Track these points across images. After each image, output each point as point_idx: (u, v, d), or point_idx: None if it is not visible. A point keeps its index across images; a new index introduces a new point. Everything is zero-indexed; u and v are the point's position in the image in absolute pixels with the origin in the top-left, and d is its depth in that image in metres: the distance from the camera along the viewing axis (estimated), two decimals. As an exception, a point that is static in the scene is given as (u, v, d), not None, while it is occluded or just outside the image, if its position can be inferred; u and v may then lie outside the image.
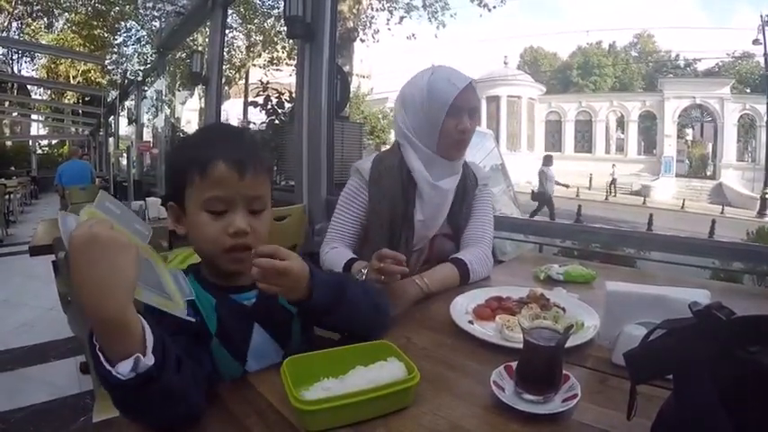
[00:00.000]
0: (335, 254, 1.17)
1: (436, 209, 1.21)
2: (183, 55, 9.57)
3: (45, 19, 14.62)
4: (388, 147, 1.31)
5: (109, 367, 0.47)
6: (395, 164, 1.22)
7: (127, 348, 0.47)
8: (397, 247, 1.17)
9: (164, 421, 0.54)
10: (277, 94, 4.27)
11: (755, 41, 16.87)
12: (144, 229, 0.56)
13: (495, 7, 10.19)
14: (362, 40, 10.37)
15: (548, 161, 10.77)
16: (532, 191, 10.50)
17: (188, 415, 0.56)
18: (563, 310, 0.88)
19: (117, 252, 0.46)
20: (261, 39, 12.06)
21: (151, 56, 10.30)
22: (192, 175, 0.70)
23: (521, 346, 0.63)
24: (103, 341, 0.47)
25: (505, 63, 27.42)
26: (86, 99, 15.77)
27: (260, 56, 12.47)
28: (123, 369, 0.47)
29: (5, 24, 14.73)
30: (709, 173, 21.98)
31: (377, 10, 10.39)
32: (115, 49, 13.46)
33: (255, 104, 4.45)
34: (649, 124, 23.94)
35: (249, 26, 11.87)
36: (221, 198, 0.69)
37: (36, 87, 17.49)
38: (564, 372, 0.60)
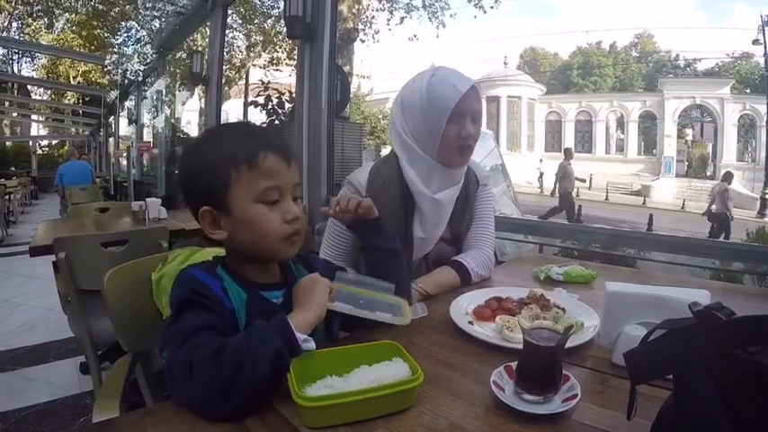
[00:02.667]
0: None
1: (435, 224, 1.17)
2: (184, 55, 9.58)
3: (45, 19, 14.62)
4: (388, 147, 1.29)
5: (299, 335, 0.62)
6: (393, 177, 1.16)
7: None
8: None
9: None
10: (277, 95, 4.27)
11: (755, 41, 16.86)
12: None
13: (492, 7, 10.22)
14: (363, 41, 10.40)
15: (729, 177, 9.05)
16: (710, 210, 9.02)
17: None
18: (563, 310, 0.88)
19: (319, 288, 0.72)
20: (261, 39, 12.07)
21: (151, 56, 10.31)
22: (238, 170, 0.69)
23: (521, 346, 0.63)
24: (305, 327, 0.66)
25: (505, 63, 27.41)
26: (86, 99, 15.77)
27: (260, 56, 12.47)
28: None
29: (5, 24, 14.74)
30: (709, 173, 21.98)
31: (377, 10, 10.41)
32: (115, 49, 13.49)
33: (256, 104, 4.45)
34: (649, 124, 23.93)
35: (249, 26, 11.87)
36: (276, 187, 0.70)
37: (36, 87, 17.49)
38: (564, 372, 0.60)
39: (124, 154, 10.27)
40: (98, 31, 13.07)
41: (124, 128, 12.29)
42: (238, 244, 0.73)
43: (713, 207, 8.98)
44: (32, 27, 14.55)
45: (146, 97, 8.57)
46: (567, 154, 10.55)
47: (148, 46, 11.85)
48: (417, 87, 1.13)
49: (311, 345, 0.63)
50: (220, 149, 0.71)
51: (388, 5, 10.36)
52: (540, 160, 22.40)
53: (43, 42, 14.11)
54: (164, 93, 7.67)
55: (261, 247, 0.72)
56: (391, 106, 1.22)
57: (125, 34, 13.33)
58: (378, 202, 1.14)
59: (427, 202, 1.14)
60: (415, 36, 11.34)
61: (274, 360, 0.58)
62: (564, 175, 9.86)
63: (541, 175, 20.90)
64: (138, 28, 12.59)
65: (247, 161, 0.69)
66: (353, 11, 8.63)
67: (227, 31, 6.42)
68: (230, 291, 0.71)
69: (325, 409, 0.54)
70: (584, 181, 12.23)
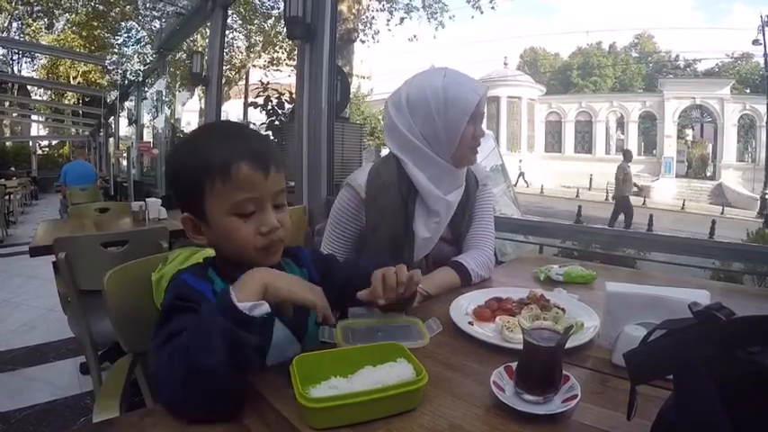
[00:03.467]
0: None
1: (441, 224, 1.18)
2: (184, 56, 9.60)
3: (45, 19, 14.62)
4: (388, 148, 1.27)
5: (245, 304, 0.57)
6: (393, 178, 1.15)
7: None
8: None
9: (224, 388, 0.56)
10: (277, 95, 4.28)
11: (755, 41, 16.86)
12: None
13: (492, 8, 10.24)
14: (363, 41, 10.41)
15: None
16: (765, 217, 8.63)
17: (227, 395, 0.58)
18: (563, 310, 0.88)
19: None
20: (261, 39, 12.08)
21: (151, 56, 10.31)
22: (212, 181, 0.67)
23: (521, 346, 0.63)
24: (253, 291, 0.60)
25: (505, 64, 27.44)
26: (86, 100, 15.78)
27: (260, 56, 12.48)
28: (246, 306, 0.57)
29: (5, 24, 14.74)
30: (709, 173, 22.00)
31: (377, 10, 10.42)
32: (115, 50, 13.49)
33: (255, 105, 4.46)
34: (649, 125, 23.95)
35: (249, 27, 11.88)
36: (250, 200, 0.68)
37: (36, 88, 17.49)
38: (564, 372, 0.60)
39: (124, 154, 10.27)
40: (98, 31, 13.06)
41: (124, 128, 12.31)
42: (220, 251, 0.74)
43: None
44: (32, 27, 14.56)
45: (146, 98, 8.57)
46: (627, 156, 9.96)
47: (148, 46, 11.85)
48: (430, 88, 1.11)
49: (263, 308, 0.59)
50: (196, 159, 0.69)
51: (388, 6, 10.38)
52: (520, 160, 22.51)
53: (43, 43, 14.11)
54: (164, 93, 7.67)
55: (240, 256, 0.72)
56: (388, 107, 1.20)
57: (125, 35, 13.34)
58: (378, 203, 1.14)
59: (441, 204, 1.15)
60: (414, 37, 11.37)
61: (224, 342, 0.55)
62: (624, 179, 9.41)
63: (521, 174, 20.99)
64: (139, 28, 12.60)
65: (220, 173, 0.66)
66: (353, 11, 8.63)
67: (227, 32, 6.42)
68: None
69: (330, 411, 0.54)
70: (641, 189, 11.57)
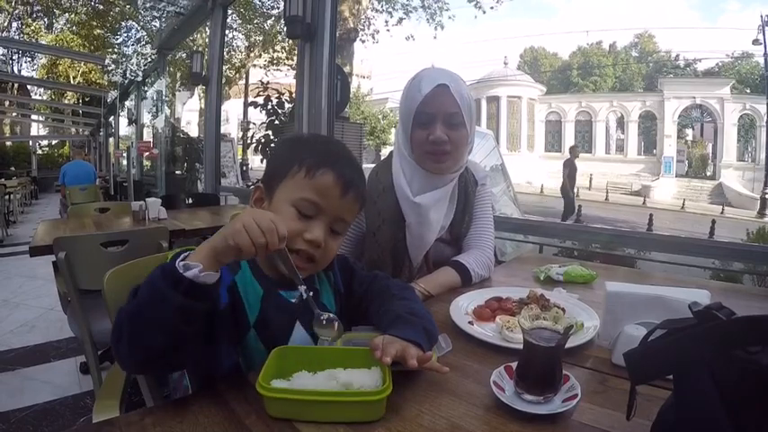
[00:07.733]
0: None
1: (419, 227, 1.15)
2: (183, 55, 9.59)
3: (45, 19, 14.62)
4: (388, 147, 1.28)
5: (182, 263, 0.58)
6: (389, 182, 1.16)
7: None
8: (400, 271, 1.15)
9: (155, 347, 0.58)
10: (277, 95, 4.28)
11: (755, 41, 16.86)
12: None
13: (492, 8, 10.23)
14: (362, 41, 10.40)
15: None
16: None
17: (170, 360, 0.62)
18: (563, 310, 0.88)
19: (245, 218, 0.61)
20: (261, 39, 12.07)
21: (151, 56, 10.31)
22: (299, 169, 0.71)
23: (521, 346, 0.63)
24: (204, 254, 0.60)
25: (505, 63, 27.41)
26: (86, 99, 15.78)
27: (260, 56, 12.48)
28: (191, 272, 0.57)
29: (5, 24, 14.73)
30: (709, 173, 21.99)
31: (376, 11, 10.41)
32: (115, 49, 13.48)
33: (255, 105, 4.47)
34: (649, 124, 23.94)
35: (249, 26, 11.87)
36: (315, 204, 0.71)
37: (36, 87, 17.49)
38: (564, 372, 0.61)
39: (124, 154, 10.27)
40: (98, 31, 13.06)
41: (124, 128, 12.30)
42: None
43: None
44: (32, 27, 14.55)
45: (146, 97, 8.57)
46: None
47: (148, 46, 11.85)
48: (405, 86, 1.14)
49: (194, 271, 0.58)
50: (299, 148, 0.75)
51: (387, 6, 10.35)
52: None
53: (43, 42, 14.10)
54: (164, 93, 7.67)
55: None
56: (392, 105, 1.23)
57: (125, 34, 13.33)
58: (377, 206, 1.15)
59: (407, 204, 1.14)
60: (411, 36, 11.36)
61: (148, 284, 0.58)
62: None
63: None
64: (138, 28, 12.59)
65: (308, 167, 0.71)
66: (353, 11, 8.63)
67: (226, 31, 6.42)
68: (245, 285, 0.72)
69: (279, 401, 0.56)
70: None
